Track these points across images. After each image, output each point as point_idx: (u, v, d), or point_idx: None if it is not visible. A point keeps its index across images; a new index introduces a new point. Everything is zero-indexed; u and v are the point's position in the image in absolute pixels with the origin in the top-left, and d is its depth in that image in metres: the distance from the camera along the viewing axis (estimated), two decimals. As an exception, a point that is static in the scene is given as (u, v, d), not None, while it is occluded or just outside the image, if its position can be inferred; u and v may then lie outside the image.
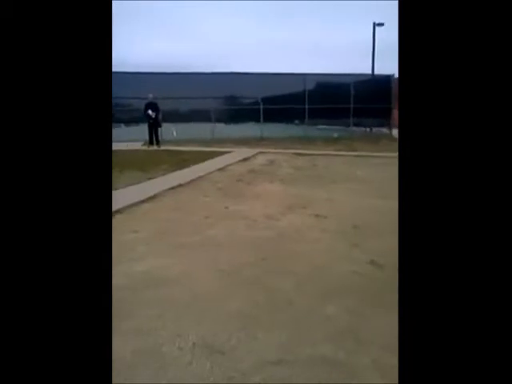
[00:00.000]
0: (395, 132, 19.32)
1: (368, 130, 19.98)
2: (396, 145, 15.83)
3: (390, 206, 5.68)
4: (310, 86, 18.66)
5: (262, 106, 17.36)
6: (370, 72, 23.13)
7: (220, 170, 9.00)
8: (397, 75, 19.48)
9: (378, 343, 2.29)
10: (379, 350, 2.22)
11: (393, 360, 2.13)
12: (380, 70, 23.89)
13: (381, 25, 24.94)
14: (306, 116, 18.12)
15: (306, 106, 17.97)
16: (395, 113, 19.22)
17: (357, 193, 6.69)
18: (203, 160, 10.10)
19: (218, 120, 17.67)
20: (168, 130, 15.36)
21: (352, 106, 18.57)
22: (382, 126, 19.77)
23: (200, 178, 7.94)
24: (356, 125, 19.56)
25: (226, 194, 6.43)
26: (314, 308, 2.72)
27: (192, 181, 7.52)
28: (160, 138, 14.09)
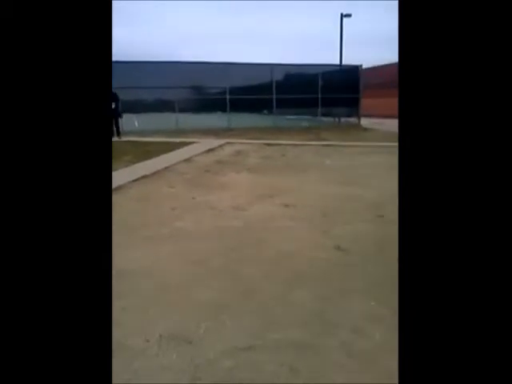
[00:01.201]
0: (363, 121, 19.65)
1: (337, 119, 20.23)
2: (364, 134, 16.13)
3: (357, 193, 5.79)
4: (279, 76, 18.64)
5: (228, 96, 17.21)
6: (338, 62, 23.38)
7: (186, 160, 8.86)
8: (364, 65, 19.79)
9: (346, 326, 2.31)
10: (347, 333, 2.25)
11: (360, 342, 2.16)
12: (348, 61, 24.16)
13: (348, 16, 25.22)
14: (274, 106, 18.11)
15: (274, 96, 17.95)
16: (363, 102, 19.52)
17: (326, 181, 6.76)
18: (168, 151, 9.89)
19: (184, 110, 17.34)
20: (130, 121, 14.95)
21: (320, 96, 18.72)
22: (350, 115, 20.06)
23: (165, 168, 7.79)
24: (325, 115, 19.76)
25: (192, 185, 6.34)
26: (283, 294, 2.73)
27: (157, 172, 7.37)
28: (121, 129, 13.62)
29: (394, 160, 9.23)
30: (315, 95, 18.65)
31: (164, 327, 2.31)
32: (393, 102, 41.41)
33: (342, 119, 20.17)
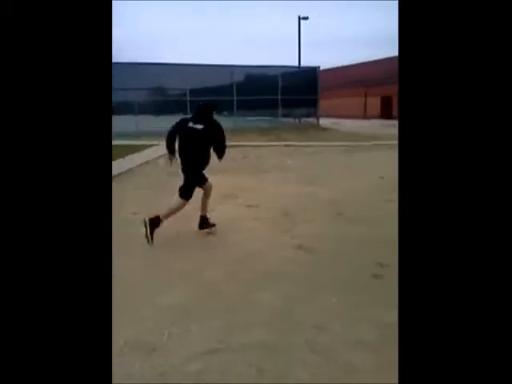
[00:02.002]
0: (322, 122, 20.05)
1: (297, 120, 20.52)
2: (323, 134, 16.46)
3: (317, 192, 5.90)
4: (239, 77, 18.68)
5: (189, 98, 17.04)
6: (296, 64, 23.73)
7: (147, 163, 8.70)
8: (322, 67, 20.22)
9: (309, 324, 2.36)
10: (311, 330, 2.29)
11: (324, 338, 2.21)
12: (306, 62, 24.61)
13: (305, 18, 25.63)
14: (235, 107, 18.12)
15: (235, 98, 17.96)
16: (322, 103, 19.91)
17: (287, 181, 6.84)
18: (127, 154, 9.66)
19: (144, 112, 17.02)
20: None
21: (280, 97, 18.92)
22: (309, 116, 20.41)
23: (128, 170, 7.62)
24: (285, 116, 19.99)
25: (154, 188, 6.24)
26: (248, 295, 2.74)
27: (120, 174, 7.18)
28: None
29: (351, 158, 9.47)
30: (275, 96, 18.84)
31: (127, 336, 2.26)
32: (351, 103, 42.43)
33: (302, 120, 20.48)
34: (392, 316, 2.42)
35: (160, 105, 18.00)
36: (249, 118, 19.70)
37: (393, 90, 36.31)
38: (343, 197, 5.59)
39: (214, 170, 7.72)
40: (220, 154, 3.90)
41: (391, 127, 22.58)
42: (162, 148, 10.52)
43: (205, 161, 3.87)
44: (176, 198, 3.87)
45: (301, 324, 2.36)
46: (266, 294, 2.74)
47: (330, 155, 10.28)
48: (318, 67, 19.77)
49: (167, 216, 3.82)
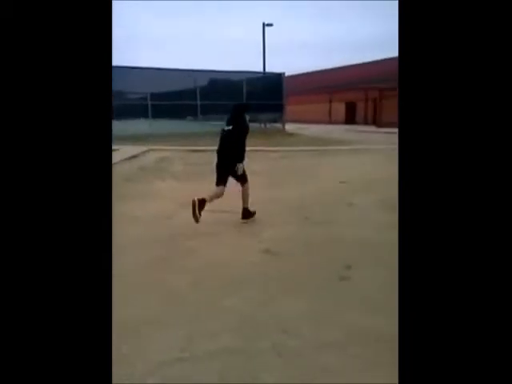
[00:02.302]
0: (288, 127, 20.27)
1: (262, 125, 20.63)
2: (289, 139, 16.62)
3: (284, 197, 5.92)
4: (203, 81, 18.59)
5: (150, 102, 16.76)
6: (261, 70, 23.90)
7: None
8: (287, 73, 20.46)
9: (277, 328, 2.32)
10: (278, 334, 2.26)
11: (291, 342, 2.18)
12: (271, 68, 24.85)
13: (270, 25, 25.88)
14: (199, 112, 18.00)
15: (198, 102, 17.83)
16: (289, 109, 20.14)
17: (252, 186, 6.81)
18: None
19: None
20: None
21: (245, 102, 18.97)
22: (275, 121, 20.58)
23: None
24: (251, 121, 19.98)
25: (113, 195, 6.04)
26: (214, 301, 2.68)
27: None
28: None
29: (316, 162, 9.60)
30: (241, 101, 18.87)
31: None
32: (316, 108, 43.14)
33: (268, 125, 20.62)
34: (358, 317, 2.44)
35: (121, 109, 17.59)
36: (214, 123, 19.62)
37: (357, 96, 37.38)
38: (309, 201, 5.63)
39: (177, 176, 7.66)
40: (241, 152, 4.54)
41: (354, 132, 23.12)
42: (120, 153, 10.30)
43: (236, 156, 4.48)
44: (214, 187, 4.58)
45: (269, 328, 2.32)
46: (233, 299, 2.69)
47: (296, 160, 10.36)
48: (283, 73, 20.01)
49: (211, 200, 4.40)
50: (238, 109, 4.71)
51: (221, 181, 4.56)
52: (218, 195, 4.53)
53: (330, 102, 39.91)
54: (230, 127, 4.50)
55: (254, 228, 4.35)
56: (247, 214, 4.66)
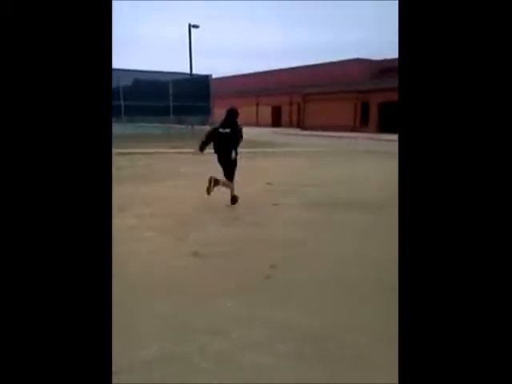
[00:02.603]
0: (215, 129, 20.23)
1: (190, 127, 20.43)
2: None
3: (213, 199, 5.92)
4: (127, 82, 17.91)
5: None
6: (188, 71, 23.63)
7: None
8: (215, 75, 20.47)
9: (205, 330, 2.34)
10: (206, 337, 2.27)
11: (219, 344, 2.21)
12: (198, 70, 24.66)
13: (196, 27, 25.69)
14: (123, 113, 17.32)
15: (122, 103, 17.16)
16: (217, 111, 20.12)
17: (181, 189, 6.75)
18: None
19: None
20: None
21: (172, 103, 18.65)
22: (203, 123, 20.47)
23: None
24: (178, 122, 19.76)
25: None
26: (142, 307, 2.62)
27: None
28: None
29: (244, 165, 9.71)
30: (167, 103, 18.51)
31: None
32: (244, 111, 43.49)
33: (196, 127, 20.47)
34: (282, 314, 2.54)
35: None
36: (140, 124, 19.02)
37: (282, 100, 38.49)
38: (239, 202, 5.71)
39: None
40: (235, 151, 5.40)
41: (280, 135, 23.72)
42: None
43: (233, 154, 5.39)
44: (224, 179, 5.54)
45: (197, 331, 2.33)
46: (160, 304, 2.65)
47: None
48: (210, 75, 19.99)
49: (223, 186, 5.56)
50: (231, 114, 5.46)
51: (229, 175, 5.56)
52: (231, 186, 5.62)
53: (257, 105, 40.66)
54: (228, 130, 5.32)
55: (183, 231, 4.30)
56: (215, 183, 5.51)
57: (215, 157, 5.58)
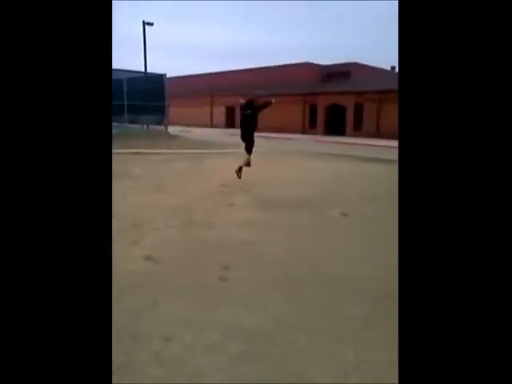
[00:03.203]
0: (171, 129, 19.96)
1: (145, 127, 19.97)
2: (172, 141, 16.38)
3: (167, 200, 5.85)
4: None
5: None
6: (142, 70, 23.09)
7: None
8: (170, 75, 20.12)
9: (157, 335, 2.30)
10: (159, 342, 2.24)
11: (173, 348, 2.18)
12: (153, 69, 24.13)
13: (150, 24, 25.16)
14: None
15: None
16: (172, 111, 19.82)
17: (135, 190, 6.59)
18: None
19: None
20: None
21: (126, 102, 18.15)
22: (158, 123, 20.10)
23: None
24: (132, 122, 19.25)
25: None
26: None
27: None
28: None
29: (198, 165, 9.63)
30: (121, 102, 17.98)
31: None
32: (198, 111, 43.06)
33: (150, 127, 20.04)
34: (235, 316, 2.55)
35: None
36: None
37: (236, 101, 38.49)
38: (191, 203, 5.66)
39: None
40: (255, 128, 7.72)
41: (234, 136, 23.73)
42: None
43: (253, 131, 7.67)
44: (245, 155, 7.59)
45: (150, 337, 2.29)
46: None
47: (179, 163, 10.28)
48: (165, 74, 19.64)
49: (245, 165, 7.56)
50: (251, 101, 7.88)
51: (249, 149, 7.60)
52: (248, 162, 7.61)
53: (212, 105, 40.46)
54: (249, 111, 7.52)
55: (135, 235, 4.20)
56: (239, 170, 7.49)
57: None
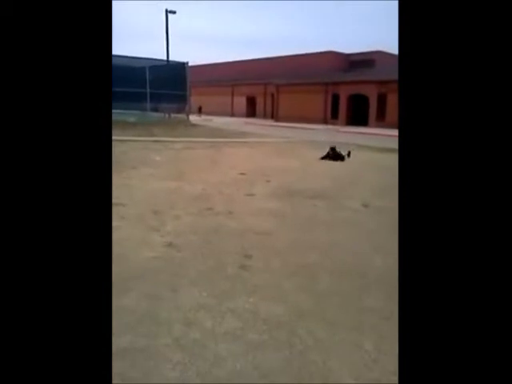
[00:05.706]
0: (192, 118, 20.03)
1: (166, 115, 20.11)
2: (193, 130, 16.45)
3: (186, 188, 5.88)
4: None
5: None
6: (164, 58, 23.17)
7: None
8: (191, 63, 20.12)
9: (178, 321, 2.33)
10: (180, 327, 2.26)
11: (193, 334, 2.20)
12: (175, 57, 24.21)
13: (173, 12, 25.16)
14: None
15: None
16: (192, 99, 19.88)
17: (155, 178, 6.66)
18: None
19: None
20: None
21: (148, 90, 18.27)
22: (179, 111, 20.19)
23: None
24: (154, 110, 19.40)
25: None
26: (113, 299, 2.57)
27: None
28: None
29: (218, 154, 9.69)
30: (143, 89, 18.11)
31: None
32: (219, 100, 43.06)
33: (172, 115, 20.16)
34: (255, 305, 2.55)
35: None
36: (115, 111, 18.57)
37: (257, 90, 38.29)
38: (211, 191, 5.68)
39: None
40: None
41: (254, 126, 23.62)
42: None
43: None
44: None
45: (170, 323, 2.31)
46: (133, 295, 2.61)
47: (199, 151, 10.32)
48: (187, 63, 19.65)
49: None
50: None
51: None
52: None
53: (233, 94, 40.36)
54: None
55: (156, 221, 4.25)
56: None
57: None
